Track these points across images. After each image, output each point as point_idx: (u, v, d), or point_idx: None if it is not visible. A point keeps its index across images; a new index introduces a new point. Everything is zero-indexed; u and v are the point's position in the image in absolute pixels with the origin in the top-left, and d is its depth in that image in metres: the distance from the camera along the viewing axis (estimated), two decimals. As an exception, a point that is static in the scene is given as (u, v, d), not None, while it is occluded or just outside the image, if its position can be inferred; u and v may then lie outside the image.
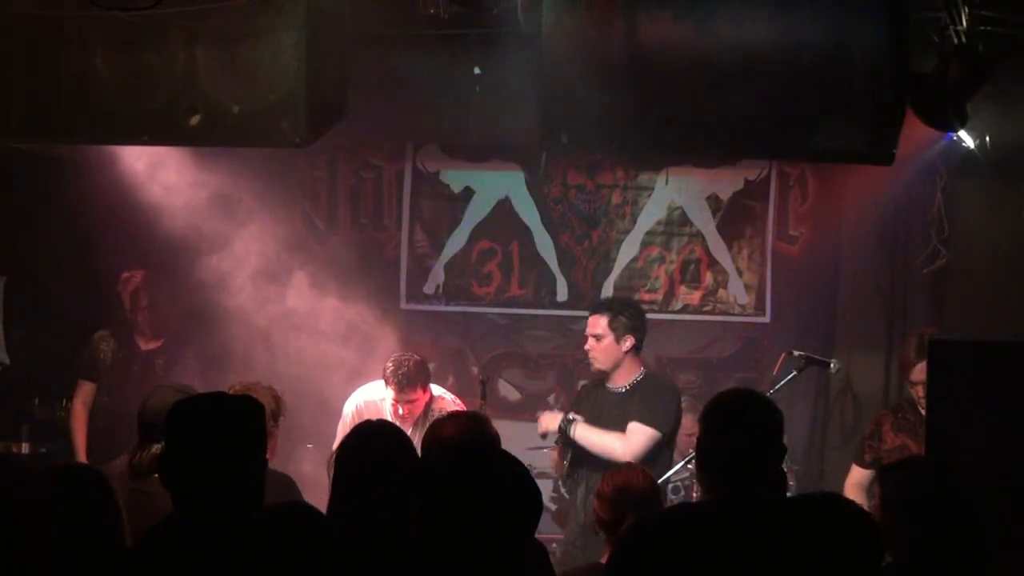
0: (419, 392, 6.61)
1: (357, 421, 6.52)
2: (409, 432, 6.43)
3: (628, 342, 6.42)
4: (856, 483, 6.51)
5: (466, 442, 4.24)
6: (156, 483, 3.58)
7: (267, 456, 5.18)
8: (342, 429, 6.76)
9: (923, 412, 6.20)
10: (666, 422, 6.31)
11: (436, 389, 6.84)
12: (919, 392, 6.50)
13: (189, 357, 7.55)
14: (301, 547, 3.25)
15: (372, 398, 6.81)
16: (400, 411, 6.56)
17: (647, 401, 6.33)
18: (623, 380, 6.47)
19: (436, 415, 6.44)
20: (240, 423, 3.48)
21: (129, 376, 7.37)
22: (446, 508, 2.92)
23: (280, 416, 5.37)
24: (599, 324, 6.45)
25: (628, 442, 6.21)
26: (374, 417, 6.35)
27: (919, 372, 6.47)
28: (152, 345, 7.49)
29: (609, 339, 6.42)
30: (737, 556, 3.39)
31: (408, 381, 6.55)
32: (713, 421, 3.67)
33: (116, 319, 7.57)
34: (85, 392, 7.42)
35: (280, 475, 5.15)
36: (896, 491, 3.93)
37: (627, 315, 6.48)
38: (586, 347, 6.55)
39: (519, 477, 2.98)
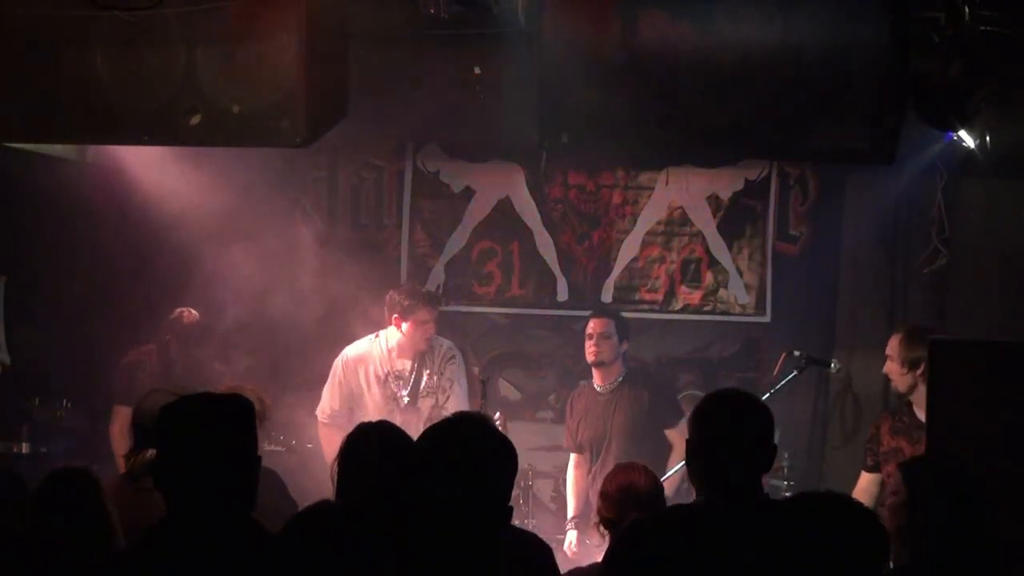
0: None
1: (345, 372, 7.17)
2: (413, 363, 7.18)
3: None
4: (862, 489, 6.46)
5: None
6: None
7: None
8: (330, 384, 7.21)
9: (909, 404, 6.24)
10: None
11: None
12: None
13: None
14: (296, 547, 3.25)
15: (359, 352, 7.24)
16: (394, 354, 7.11)
17: None
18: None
19: (443, 351, 7.21)
20: (229, 422, 3.46)
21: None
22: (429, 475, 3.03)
23: (265, 419, 5.41)
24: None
25: None
26: (361, 368, 7.17)
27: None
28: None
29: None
30: (733, 556, 3.39)
31: (431, 300, 7.26)
32: (703, 422, 3.66)
33: (149, 344, 7.43)
34: (122, 417, 7.32)
35: (266, 470, 5.17)
36: (925, 488, 3.93)
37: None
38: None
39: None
